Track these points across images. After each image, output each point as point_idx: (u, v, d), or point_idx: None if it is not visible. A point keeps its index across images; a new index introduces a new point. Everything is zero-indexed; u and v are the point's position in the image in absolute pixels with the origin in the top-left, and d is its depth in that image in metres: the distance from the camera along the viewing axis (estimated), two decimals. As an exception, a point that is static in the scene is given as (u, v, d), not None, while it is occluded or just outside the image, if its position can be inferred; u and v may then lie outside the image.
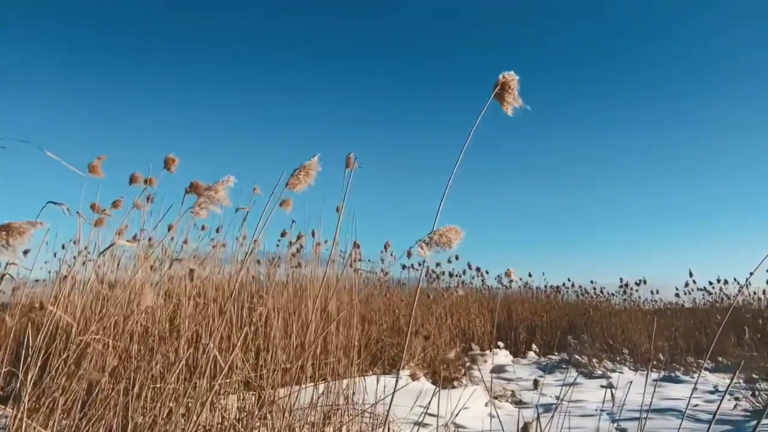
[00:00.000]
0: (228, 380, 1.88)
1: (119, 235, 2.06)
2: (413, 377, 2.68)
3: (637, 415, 3.09)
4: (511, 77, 0.87)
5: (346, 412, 2.28)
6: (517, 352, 6.91)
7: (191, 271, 2.47)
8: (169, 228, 2.12)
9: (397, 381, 1.15)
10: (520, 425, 1.96)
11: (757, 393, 3.29)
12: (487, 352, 6.31)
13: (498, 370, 5.84)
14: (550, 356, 6.81)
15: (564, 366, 5.89)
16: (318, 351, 2.25)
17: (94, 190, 2.09)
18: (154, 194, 2.55)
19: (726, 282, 7.83)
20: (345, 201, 2.19)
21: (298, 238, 2.85)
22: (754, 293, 7.43)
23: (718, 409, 0.98)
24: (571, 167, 16.00)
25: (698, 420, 3.01)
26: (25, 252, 1.84)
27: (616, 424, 2.89)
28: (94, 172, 2.01)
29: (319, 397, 2.13)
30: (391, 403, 2.42)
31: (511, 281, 8.94)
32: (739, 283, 7.48)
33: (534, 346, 6.97)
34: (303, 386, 1.97)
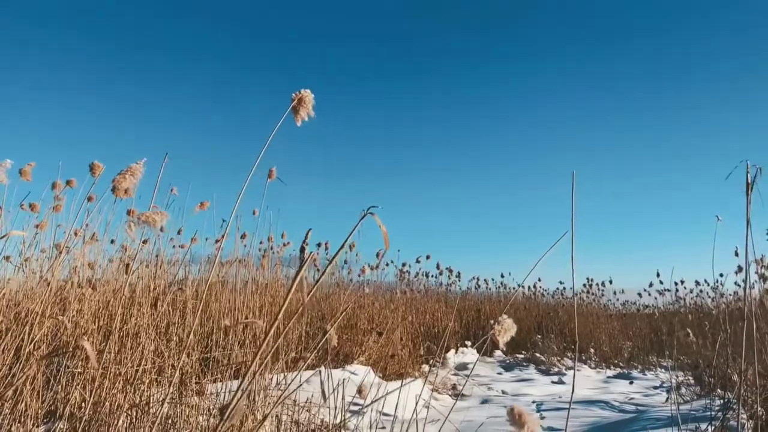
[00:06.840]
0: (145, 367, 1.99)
1: (39, 229, 2.19)
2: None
3: (566, 406, 3.22)
4: (307, 94, 1.00)
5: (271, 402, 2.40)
6: (485, 351, 7.03)
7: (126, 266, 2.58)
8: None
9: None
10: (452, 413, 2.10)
11: (683, 387, 3.44)
12: (453, 350, 6.44)
13: (461, 367, 5.96)
14: (516, 355, 6.94)
15: (525, 364, 6.03)
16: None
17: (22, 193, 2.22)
18: (97, 195, 2.69)
19: (697, 283, 7.99)
20: (262, 206, 2.33)
21: (223, 236, 2.97)
22: (714, 297, 7.59)
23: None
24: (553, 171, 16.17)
25: (622, 411, 3.14)
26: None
27: (540, 414, 3.02)
28: (24, 177, 2.16)
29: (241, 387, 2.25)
30: (323, 392, 2.52)
31: (486, 281, 9.08)
32: (699, 285, 7.63)
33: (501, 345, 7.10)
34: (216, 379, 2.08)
